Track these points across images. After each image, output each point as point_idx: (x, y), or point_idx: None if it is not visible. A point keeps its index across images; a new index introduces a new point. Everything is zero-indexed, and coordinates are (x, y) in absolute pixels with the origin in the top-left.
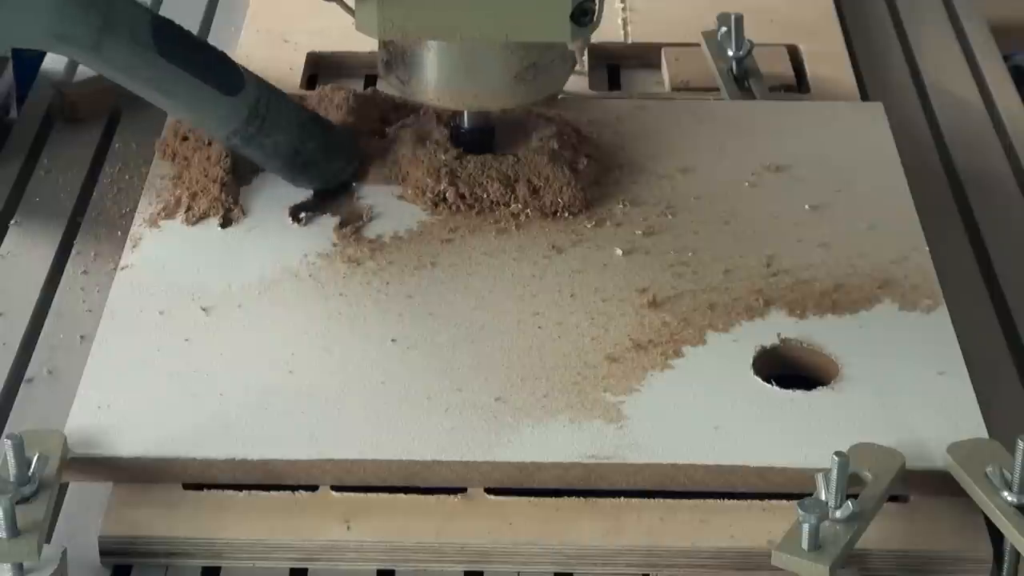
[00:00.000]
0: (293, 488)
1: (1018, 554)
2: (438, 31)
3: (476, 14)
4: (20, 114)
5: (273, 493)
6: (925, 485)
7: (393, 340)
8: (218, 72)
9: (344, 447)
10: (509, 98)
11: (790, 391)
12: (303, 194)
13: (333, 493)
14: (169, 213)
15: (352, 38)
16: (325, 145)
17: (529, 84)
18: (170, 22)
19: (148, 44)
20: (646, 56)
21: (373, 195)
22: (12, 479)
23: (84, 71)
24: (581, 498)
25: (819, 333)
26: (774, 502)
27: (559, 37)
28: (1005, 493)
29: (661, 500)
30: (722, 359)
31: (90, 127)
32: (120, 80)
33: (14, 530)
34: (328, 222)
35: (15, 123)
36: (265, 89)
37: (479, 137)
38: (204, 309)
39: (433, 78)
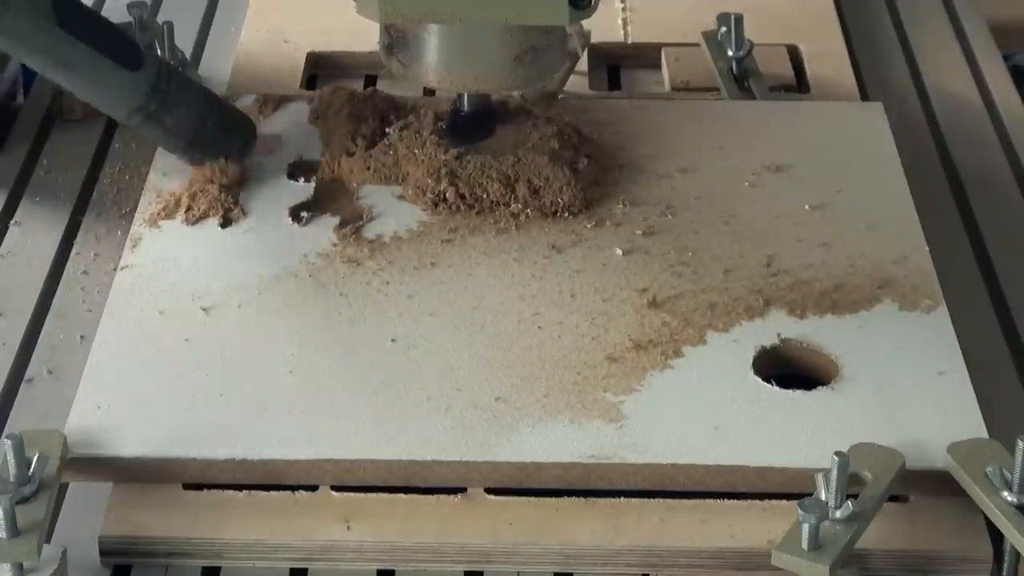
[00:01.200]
0: (293, 488)
1: (1018, 554)
2: (438, 14)
3: None
4: (25, 102)
5: (273, 493)
6: (925, 485)
7: (393, 340)
8: (119, 47)
9: (344, 447)
10: (508, 81)
11: (790, 391)
12: (303, 194)
13: (333, 493)
14: (169, 213)
15: (352, 38)
16: (224, 123)
17: (528, 67)
18: None
19: (48, 15)
20: (646, 56)
21: (373, 195)
22: (12, 479)
23: None
24: (581, 498)
25: (819, 333)
26: (774, 502)
27: (557, 20)
28: (1005, 493)
29: (661, 500)
30: (722, 359)
31: (90, 127)
32: (21, 55)
33: (14, 530)
34: (328, 222)
35: (22, 108)
36: (165, 66)
37: (479, 121)
38: (204, 309)
39: (434, 61)
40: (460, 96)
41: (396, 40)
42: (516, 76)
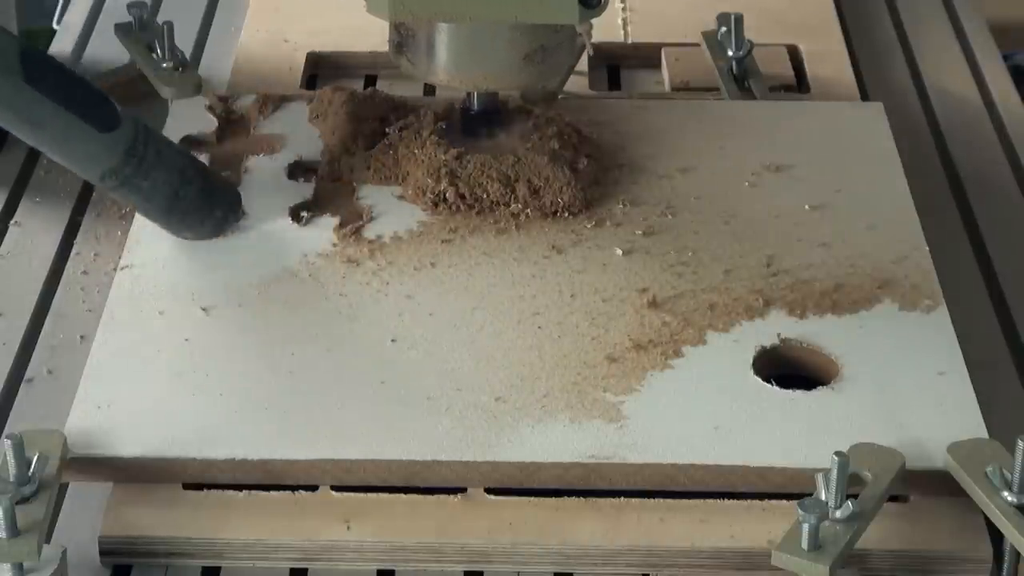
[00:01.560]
0: (293, 488)
1: (1018, 554)
2: (448, 12)
3: None
4: None
5: (273, 493)
6: (925, 485)
7: (393, 340)
8: (92, 107)
9: (344, 447)
10: (518, 79)
11: (790, 391)
12: (303, 194)
13: (333, 493)
14: None
15: (352, 38)
16: (206, 191)
17: (538, 66)
18: (43, 53)
19: (15, 70)
20: (646, 56)
21: (373, 195)
22: (12, 479)
23: (85, 69)
24: (581, 498)
25: (819, 333)
26: (774, 502)
27: (567, 19)
28: (1005, 493)
29: (661, 500)
30: (722, 359)
31: None
32: None
33: (14, 530)
34: (328, 222)
35: None
36: (143, 130)
37: (487, 119)
38: (204, 309)
39: (443, 59)
40: (469, 95)
41: (406, 38)
42: (526, 75)
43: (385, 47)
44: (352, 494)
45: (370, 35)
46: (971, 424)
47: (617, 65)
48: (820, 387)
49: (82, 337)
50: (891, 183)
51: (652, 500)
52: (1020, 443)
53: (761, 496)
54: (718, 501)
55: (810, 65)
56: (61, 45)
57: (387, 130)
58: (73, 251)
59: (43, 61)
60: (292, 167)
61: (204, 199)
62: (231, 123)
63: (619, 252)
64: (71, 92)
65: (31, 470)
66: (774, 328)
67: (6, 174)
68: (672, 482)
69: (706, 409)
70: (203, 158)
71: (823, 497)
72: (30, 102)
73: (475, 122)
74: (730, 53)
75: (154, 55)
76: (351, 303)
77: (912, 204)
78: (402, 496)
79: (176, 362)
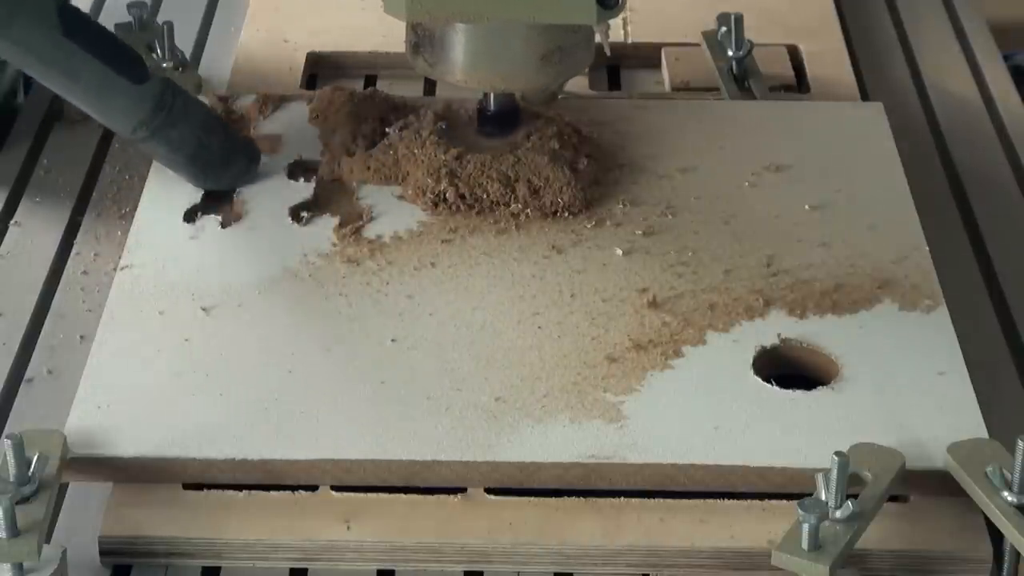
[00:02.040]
0: (293, 488)
1: (1018, 554)
2: (466, 12)
3: None
4: (26, 102)
5: (273, 493)
6: (925, 485)
7: (393, 340)
8: (124, 60)
9: (344, 447)
10: (536, 80)
11: (790, 391)
12: (303, 194)
13: (333, 493)
14: (170, 213)
15: (352, 38)
16: (228, 142)
17: (555, 66)
18: (77, 8)
19: (54, 24)
20: (646, 56)
21: (373, 195)
22: (12, 479)
23: None
24: (581, 498)
25: (819, 333)
26: (774, 502)
27: (585, 20)
28: (1005, 493)
29: (661, 500)
30: (722, 359)
31: (90, 127)
32: (27, 65)
33: (14, 530)
34: (328, 222)
35: (22, 108)
36: (169, 82)
37: (504, 119)
38: (204, 309)
39: (460, 60)
40: (486, 95)
41: (423, 39)
42: (543, 75)
43: (385, 47)
44: (352, 494)
45: (370, 35)
46: (971, 424)
47: (617, 65)
48: (820, 387)
49: (82, 337)
50: (891, 183)
51: (652, 500)
52: (1020, 443)
53: (761, 496)
54: (718, 501)
55: (810, 65)
56: None
57: (387, 130)
58: (73, 251)
59: (79, 16)
60: (292, 167)
61: (226, 150)
62: (231, 123)
63: (619, 252)
64: (106, 46)
65: (31, 470)
66: (774, 328)
67: (6, 174)
68: (672, 482)
69: (706, 409)
70: None
71: (823, 497)
72: (69, 55)
73: (488, 122)
74: (730, 53)
75: (154, 55)
76: (351, 303)
77: (912, 204)
78: (402, 496)
79: (176, 362)
